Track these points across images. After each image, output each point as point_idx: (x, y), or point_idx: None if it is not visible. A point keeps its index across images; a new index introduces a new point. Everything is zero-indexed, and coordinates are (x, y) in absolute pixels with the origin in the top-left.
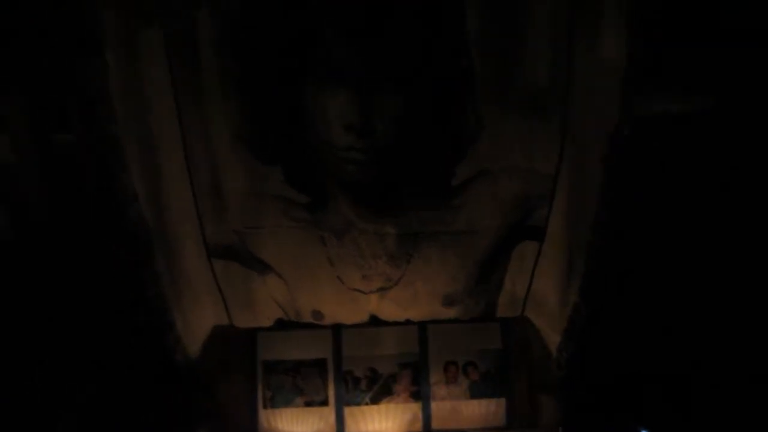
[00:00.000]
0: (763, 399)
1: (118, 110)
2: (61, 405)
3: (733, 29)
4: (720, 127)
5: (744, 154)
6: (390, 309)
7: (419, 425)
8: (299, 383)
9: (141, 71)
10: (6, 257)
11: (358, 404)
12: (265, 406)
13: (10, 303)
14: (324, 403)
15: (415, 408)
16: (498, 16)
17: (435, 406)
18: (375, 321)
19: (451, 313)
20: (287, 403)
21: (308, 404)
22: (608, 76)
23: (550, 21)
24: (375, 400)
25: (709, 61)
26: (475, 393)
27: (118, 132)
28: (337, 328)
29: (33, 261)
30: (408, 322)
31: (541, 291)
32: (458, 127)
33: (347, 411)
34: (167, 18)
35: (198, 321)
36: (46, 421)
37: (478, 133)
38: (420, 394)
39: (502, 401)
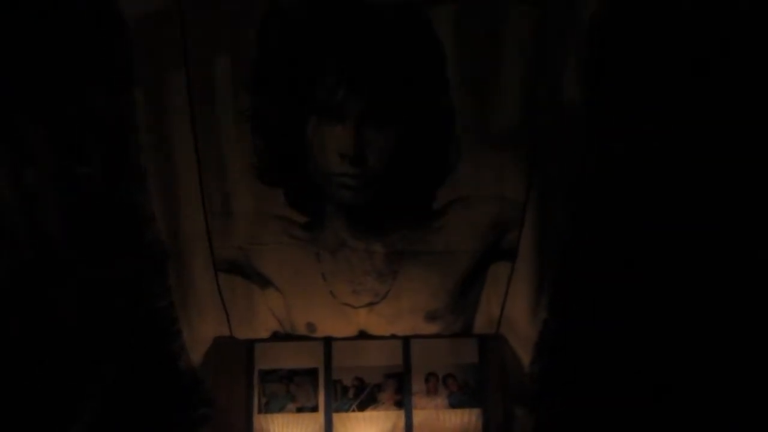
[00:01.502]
0: (731, 411)
1: (142, 141)
2: (72, 406)
3: (684, 71)
4: (674, 161)
5: (697, 185)
6: (377, 323)
7: None
8: (292, 390)
9: (164, 107)
10: (28, 274)
11: (346, 411)
12: (260, 411)
13: (32, 315)
14: (315, 409)
15: (398, 416)
16: (473, 65)
17: (417, 414)
18: (363, 335)
19: (432, 328)
20: (281, 408)
21: (300, 410)
22: (570, 116)
23: (518, 68)
24: (361, 408)
25: (664, 101)
26: (454, 403)
27: (141, 161)
28: (328, 341)
29: (54, 275)
30: (393, 336)
31: (514, 309)
32: (439, 158)
33: (336, 417)
34: (190, 61)
35: (201, 332)
36: (59, 421)
37: (456, 163)
38: (403, 403)
39: (479, 411)
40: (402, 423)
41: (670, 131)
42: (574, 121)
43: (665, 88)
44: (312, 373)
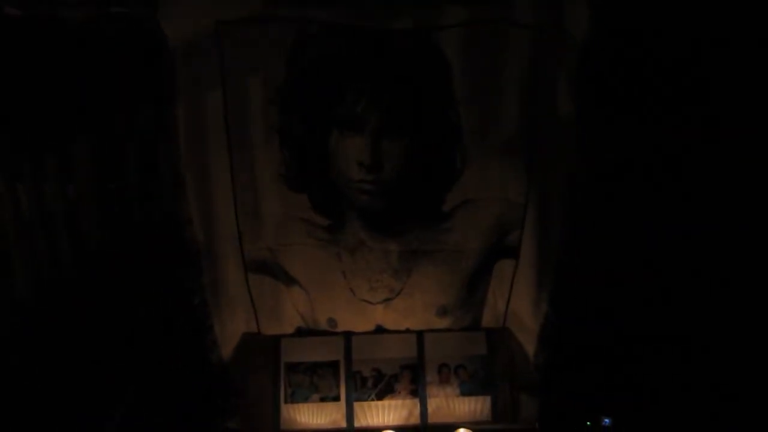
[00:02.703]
0: (727, 398)
1: (182, 151)
2: (114, 396)
3: (666, 90)
4: (657, 167)
5: (678, 188)
6: (393, 318)
7: (417, 419)
8: (315, 382)
9: (203, 121)
10: (69, 278)
11: (365, 400)
12: (286, 401)
13: (77, 312)
14: (336, 398)
15: (413, 404)
16: (476, 83)
17: (431, 402)
18: (380, 329)
19: (443, 322)
20: (305, 398)
21: (323, 399)
22: (564, 129)
23: (517, 86)
24: (380, 397)
25: (648, 114)
26: (465, 392)
27: (181, 169)
28: (348, 335)
29: (98, 275)
30: (408, 331)
31: (518, 304)
32: (447, 165)
33: (356, 406)
34: (227, 82)
35: (231, 327)
36: (102, 409)
37: (462, 169)
38: (418, 392)
39: (488, 399)
40: (417, 410)
41: (654, 141)
42: (567, 132)
43: (649, 103)
44: (334, 365)
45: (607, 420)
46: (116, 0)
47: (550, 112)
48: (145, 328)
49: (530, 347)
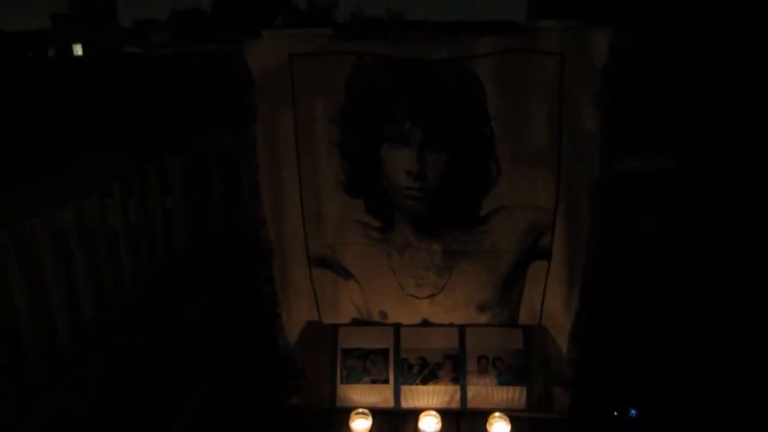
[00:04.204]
0: (748, 391)
1: (259, 163)
2: (195, 372)
3: (680, 107)
4: (673, 177)
5: (694, 195)
6: (437, 313)
7: (457, 403)
8: (368, 366)
9: (276, 138)
10: (163, 273)
11: (411, 384)
12: (341, 382)
13: (169, 300)
14: (385, 381)
15: (454, 390)
16: (508, 103)
17: (470, 389)
18: (426, 323)
19: (483, 318)
20: (358, 380)
21: (374, 382)
22: (589, 141)
23: (543, 105)
24: (424, 382)
25: (666, 131)
26: (502, 381)
27: (258, 178)
28: (397, 326)
29: (187, 271)
30: (451, 325)
31: (552, 302)
32: (483, 174)
33: (403, 388)
34: (297, 104)
35: (296, 316)
36: (183, 382)
37: (497, 178)
38: (458, 380)
39: (523, 389)
40: (458, 396)
41: (669, 153)
42: (591, 146)
43: (663, 120)
44: (384, 352)
45: (633, 411)
46: (213, 39)
47: (575, 127)
48: (226, 315)
49: (563, 343)
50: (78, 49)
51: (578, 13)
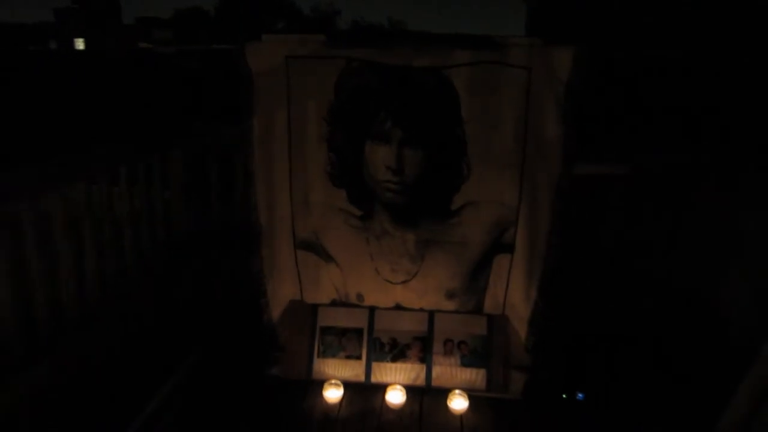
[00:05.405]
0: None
1: (255, 153)
2: (191, 341)
3: (635, 114)
4: (628, 179)
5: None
6: (409, 297)
7: (422, 381)
8: (343, 343)
9: (271, 130)
10: (165, 252)
11: (382, 361)
12: (318, 356)
13: (168, 278)
14: (359, 357)
15: (421, 368)
16: (479, 108)
17: (435, 369)
18: (399, 307)
19: (451, 305)
20: (334, 355)
21: (348, 357)
22: (551, 146)
23: (511, 111)
24: (394, 360)
25: (619, 136)
26: (465, 363)
27: (252, 166)
28: (372, 309)
29: (184, 253)
30: (421, 310)
31: (513, 293)
32: (454, 172)
33: (374, 365)
34: (291, 102)
35: (281, 294)
36: (181, 349)
37: (467, 176)
38: (425, 359)
39: (484, 371)
40: (423, 374)
41: (624, 157)
42: (552, 150)
43: (620, 127)
44: (359, 331)
45: (580, 395)
46: (215, 40)
47: (539, 133)
48: (217, 291)
49: (523, 332)
50: (80, 44)
51: (571, 29)
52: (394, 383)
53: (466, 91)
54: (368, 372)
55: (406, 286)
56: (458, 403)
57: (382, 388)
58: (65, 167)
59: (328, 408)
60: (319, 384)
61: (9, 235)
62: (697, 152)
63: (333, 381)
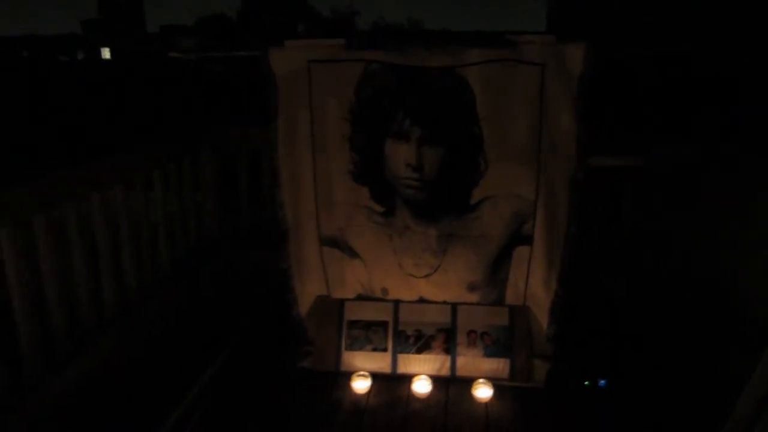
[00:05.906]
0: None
1: (280, 153)
2: (223, 336)
3: (647, 110)
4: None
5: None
6: (432, 291)
7: (447, 371)
8: (369, 336)
9: (295, 131)
10: (195, 253)
11: (407, 353)
12: (346, 349)
13: (201, 276)
14: (384, 350)
15: (445, 359)
16: (494, 105)
17: (459, 359)
18: (422, 300)
19: (473, 297)
20: (361, 348)
21: (374, 350)
22: (566, 140)
23: (526, 108)
24: (419, 351)
25: (632, 130)
26: (488, 353)
27: (279, 165)
28: (396, 302)
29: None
30: (444, 302)
31: (534, 283)
32: (472, 167)
33: (400, 357)
34: (313, 102)
35: (308, 290)
36: (214, 344)
37: (485, 171)
38: (449, 350)
39: (507, 361)
40: (448, 364)
41: (638, 151)
42: (567, 144)
43: (633, 122)
44: (384, 324)
45: (602, 382)
46: (238, 46)
47: (554, 128)
48: (248, 287)
49: (544, 321)
50: (106, 53)
51: (590, 25)
52: (420, 374)
53: (481, 88)
54: (394, 363)
55: (428, 280)
56: (483, 391)
57: (408, 378)
58: (104, 170)
59: (356, 398)
60: (348, 376)
61: (56, 237)
62: (707, 142)
63: (361, 372)
